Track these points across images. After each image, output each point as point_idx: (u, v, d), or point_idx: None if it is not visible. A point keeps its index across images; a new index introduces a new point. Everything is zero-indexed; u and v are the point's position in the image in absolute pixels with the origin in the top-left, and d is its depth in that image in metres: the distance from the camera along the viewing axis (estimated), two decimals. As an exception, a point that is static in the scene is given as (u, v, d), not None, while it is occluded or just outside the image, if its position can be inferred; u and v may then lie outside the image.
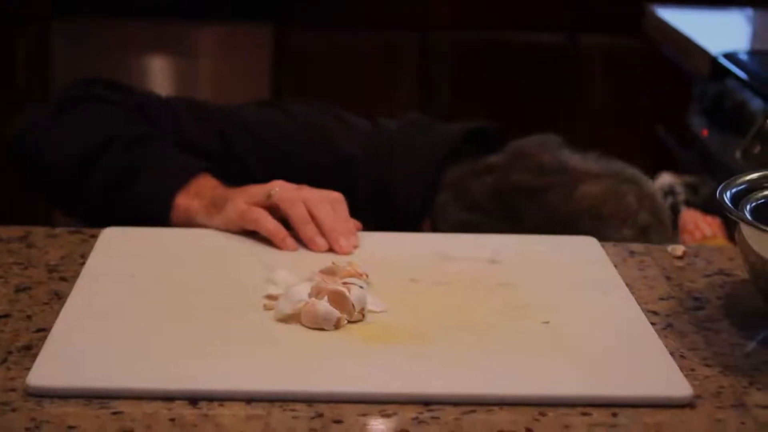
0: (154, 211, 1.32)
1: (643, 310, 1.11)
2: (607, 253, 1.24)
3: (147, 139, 1.39)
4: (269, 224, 1.23)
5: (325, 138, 1.53)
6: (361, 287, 1.08)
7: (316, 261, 1.17)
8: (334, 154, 1.52)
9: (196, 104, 1.53)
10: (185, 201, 1.32)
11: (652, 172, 2.52)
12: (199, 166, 1.37)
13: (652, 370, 1.01)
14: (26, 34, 3.09)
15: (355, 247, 1.23)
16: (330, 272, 1.12)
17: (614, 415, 0.94)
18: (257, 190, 1.27)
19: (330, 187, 1.29)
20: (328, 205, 1.25)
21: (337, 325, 1.04)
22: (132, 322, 1.05)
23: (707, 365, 1.03)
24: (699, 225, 2.15)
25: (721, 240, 2.05)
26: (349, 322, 1.05)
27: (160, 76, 3.14)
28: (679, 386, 0.97)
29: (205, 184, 1.34)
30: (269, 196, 1.25)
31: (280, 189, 1.26)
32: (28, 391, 0.93)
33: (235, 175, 1.38)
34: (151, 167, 1.36)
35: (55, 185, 1.42)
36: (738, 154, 2.10)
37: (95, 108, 1.43)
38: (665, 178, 2.44)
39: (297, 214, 1.24)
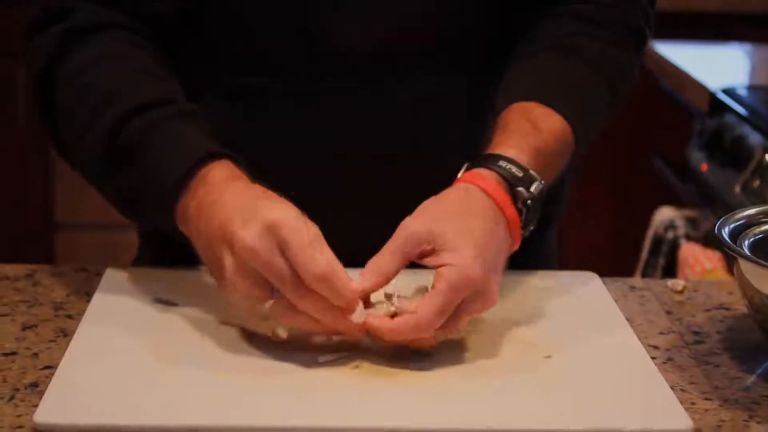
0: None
1: (643, 344, 1.12)
2: (608, 288, 1.25)
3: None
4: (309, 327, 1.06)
5: None
6: None
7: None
8: None
9: None
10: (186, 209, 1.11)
11: (651, 206, 2.54)
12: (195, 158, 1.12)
13: (652, 404, 1.01)
14: (25, 68, 3.12)
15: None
16: None
17: (616, 449, 0.95)
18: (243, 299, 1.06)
19: None
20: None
21: None
22: (137, 358, 1.06)
23: (707, 399, 1.04)
24: (699, 259, 2.16)
25: (721, 274, 2.06)
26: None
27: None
28: (679, 420, 0.98)
29: (198, 194, 1.10)
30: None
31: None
32: (35, 428, 0.94)
33: None
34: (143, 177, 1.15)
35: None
36: (737, 189, 2.12)
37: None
38: (665, 213, 2.46)
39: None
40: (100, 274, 1.24)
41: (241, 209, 1.05)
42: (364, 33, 1.23)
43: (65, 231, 3.29)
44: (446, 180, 1.13)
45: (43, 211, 3.26)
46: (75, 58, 1.21)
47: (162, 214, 1.13)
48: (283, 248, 1.01)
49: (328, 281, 1.01)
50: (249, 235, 1.02)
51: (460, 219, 1.08)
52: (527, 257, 1.19)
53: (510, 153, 1.13)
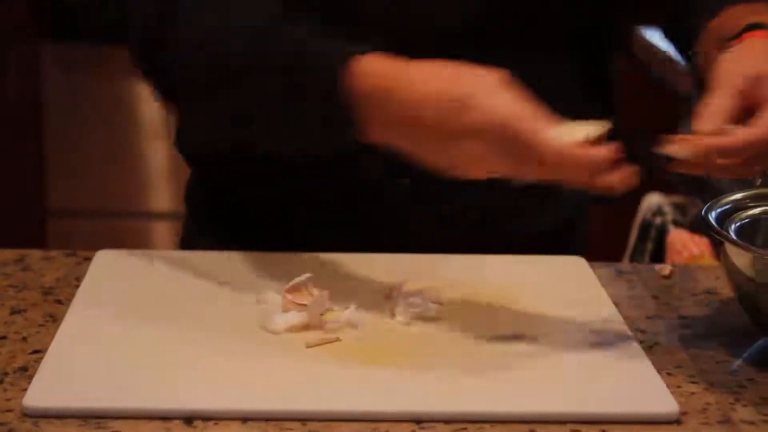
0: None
1: (630, 328, 1.13)
2: (595, 273, 1.25)
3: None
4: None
5: None
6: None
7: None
8: None
9: None
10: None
11: (641, 192, 2.54)
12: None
13: (639, 387, 1.02)
14: (16, 52, 3.14)
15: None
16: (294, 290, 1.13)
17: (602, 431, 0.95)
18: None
19: None
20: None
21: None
22: (127, 342, 1.06)
23: (693, 382, 1.04)
24: (687, 245, 2.16)
25: (708, 259, 2.07)
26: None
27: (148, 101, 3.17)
28: (665, 403, 0.99)
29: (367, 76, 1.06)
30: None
31: None
32: (24, 412, 0.95)
33: None
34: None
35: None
36: (725, 174, 2.11)
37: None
38: (653, 198, 2.46)
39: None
40: (89, 259, 1.24)
41: (444, 102, 1.02)
42: (451, 7, 1.22)
43: (57, 218, 3.29)
44: None
45: (35, 198, 3.26)
46: None
47: (331, 112, 1.08)
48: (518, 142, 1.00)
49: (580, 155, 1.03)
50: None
51: None
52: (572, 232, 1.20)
53: None
